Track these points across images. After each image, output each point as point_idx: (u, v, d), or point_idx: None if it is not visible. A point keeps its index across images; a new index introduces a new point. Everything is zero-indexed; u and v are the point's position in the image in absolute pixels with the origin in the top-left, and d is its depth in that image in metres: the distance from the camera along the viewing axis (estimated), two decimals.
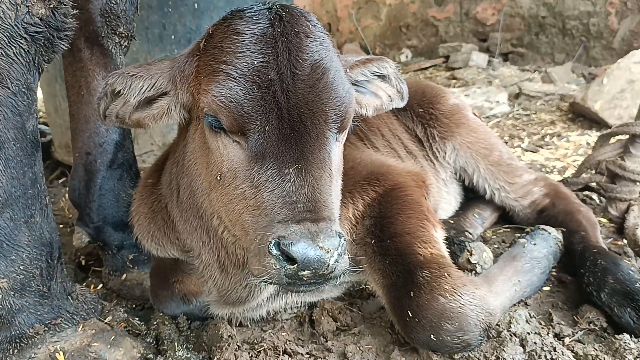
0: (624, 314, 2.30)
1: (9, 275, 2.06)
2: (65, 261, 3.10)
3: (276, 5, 1.88)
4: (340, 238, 1.67)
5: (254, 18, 1.83)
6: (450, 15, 9.50)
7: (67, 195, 3.91)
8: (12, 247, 2.07)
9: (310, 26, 1.87)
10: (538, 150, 5.11)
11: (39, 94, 5.34)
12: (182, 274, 2.47)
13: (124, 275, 2.81)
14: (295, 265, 1.62)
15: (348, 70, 2.11)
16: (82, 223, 2.85)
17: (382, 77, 2.26)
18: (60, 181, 5.05)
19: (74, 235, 2.93)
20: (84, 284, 2.97)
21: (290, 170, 1.72)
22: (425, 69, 8.96)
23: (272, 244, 1.64)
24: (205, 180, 2.02)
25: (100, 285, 2.88)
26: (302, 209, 1.68)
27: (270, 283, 1.73)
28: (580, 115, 5.91)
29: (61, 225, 3.73)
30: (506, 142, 5.37)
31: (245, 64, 1.75)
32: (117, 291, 2.83)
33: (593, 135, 5.43)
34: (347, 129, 1.96)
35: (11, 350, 2.08)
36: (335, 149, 1.88)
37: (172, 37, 4.67)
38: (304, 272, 1.63)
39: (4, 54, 1.93)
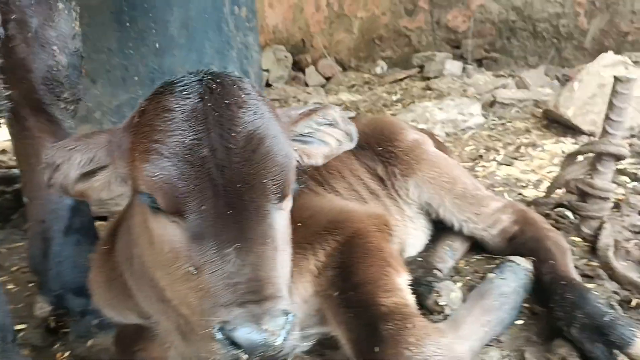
0: (595, 349, 2.28)
1: None
2: (33, 325, 3.04)
3: (207, 76, 1.83)
4: (286, 316, 1.62)
5: (184, 93, 1.77)
6: (422, 25, 9.52)
7: None
8: None
9: (243, 95, 1.81)
10: (513, 162, 5.09)
11: (7, 135, 5.28)
12: (145, 341, 2.41)
13: (91, 341, 2.74)
14: (241, 350, 1.57)
15: (291, 126, 2.06)
16: (44, 291, 2.79)
17: (328, 124, 2.22)
18: None
19: (35, 305, 2.87)
20: (53, 348, 2.90)
21: (230, 250, 1.66)
22: (401, 80, 8.95)
23: (215, 329, 1.59)
24: (150, 256, 1.98)
25: (68, 353, 2.82)
26: (245, 291, 1.62)
27: None
28: (555, 122, 5.91)
29: (31, 284, 3.65)
30: (482, 156, 5.35)
31: (176, 142, 1.70)
32: (84, 358, 2.76)
33: (568, 143, 5.43)
34: (291, 195, 1.91)
35: None
36: (279, 219, 1.83)
37: (135, 78, 4.66)
38: (250, 356, 1.57)
39: None
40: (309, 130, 2.16)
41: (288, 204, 1.96)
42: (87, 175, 1.98)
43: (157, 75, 4.61)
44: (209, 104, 1.75)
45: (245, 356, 1.57)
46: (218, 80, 1.83)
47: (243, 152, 1.72)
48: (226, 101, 1.78)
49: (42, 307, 2.81)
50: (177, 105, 1.76)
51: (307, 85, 9.79)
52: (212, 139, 1.70)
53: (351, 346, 2.20)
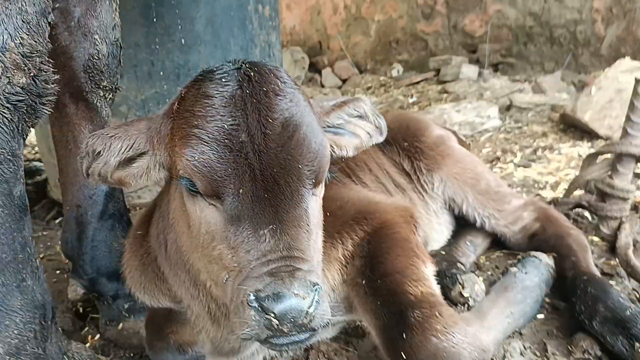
0: (617, 342, 2.32)
1: (4, 340, 2.08)
2: (63, 310, 3.13)
3: (245, 65, 1.90)
4: (315, 286, 1.68)
5: (223, 80, 1.84)
6: (439, 29, 9.57)
7: None
8: (5, 312, 2.08)
9: (280, 83, 1.88)
10: (530, 165, 5.13)
11: (32, 133, 5.40)
12: (176, 324, 2.48)
13: (121, 325, 2.81)
14: (273, 315, 1.63)
15: (324, 116, 2.13)
16: (76, 275, 2.86)
17: (359, 116, 2.27)
18: (57, 221, 5.06)
19: (68, 288, 2.95)
20: (82, 332, 2.98)
21: (266, 231, 1.73)
22: (417, 83, 9.01)
23: (249, 297, 1.66)
24: (187, 239, 2.05)
25: (98, 336, 2.89)
26: (278, 264, 1.69)
27: (251, 338, 1.72)
28: (571, 126, 5.94)
29: (57, 271, 3.74)
30: (499, 158, 5.40)
31: (216, 127, 1.77)
32: (115, 341, 2.83)
33: (584, 147, 5.46)
34: (324, 182, 1.97)
35: None
36: (312, 204, 1.89)
37: (161, 73, 4.72)
38: (282, 322, 1.63)
39: None
40: (340, 122, 2.22)
41: (321, 190, 2.03)
42: (126, 162, 2.05)
43: (182, 70, 4.67)
44: (247, 91, 1.82)
45: (276, 321, 1.63)
46: (256, 69, 1.89)
47: (279, 138, 1.79)
48: (264, 89, 1.84)
49: (76, 291, 2.89)
50: (216, 92, 1.83)
51: (323, 86, 9.87)
52: (250, 125, 1.77)
53: (378, 333, 2.26)
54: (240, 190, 1.74)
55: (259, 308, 1.64)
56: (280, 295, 1.62)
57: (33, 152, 7.44)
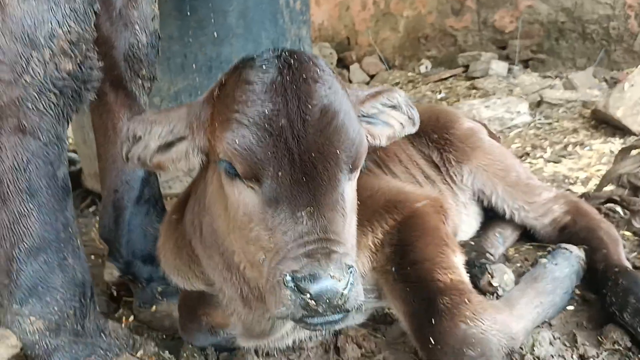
0: None
1: (45, 316, 2.18)
2: (97, 293, 3.22)
3: (285, 52, 1.95)
4: (350, 268, 1.72)
5: (264, 67, 1.90)
6: (468, 25, 9.49)
7: (97, 225, 4.04)
8: (46, 289, 2.18)
9: (319, 71, 1.93)
10: (561, 160, 5.08)
11: None
12: (208, 306, 2.55)
13: (154, 307, 2.90)
14: (308, 296, 1.67)
15: (359, 105, 2.17)
16: (113, 258, 2.96)
17: (393, 106, 2.31)
18: (90, 210, 5.19)
19: (105, 270, 3.04)
20: (116, 315, 3.07)
21: (303, 213, 1.77)
22: (445, 79, 8.95)
23: (285, 277, 1.71)
24: (224, 221, 2.10)
25: (132, 317, 2.98)
26: (314, 246, 1.74)
27: (287, 317, 1.77)
28: (603, 122, 5.85)
29: (92, 256, 3.84)
30: (528, 154, 5.36)
31: (256, 112, 1.82)
32: (148, 323, 2.92)
33: (616, 143, 5.37)
34: (360, 168, 2.01)
35: None
36: (348, 189, 1.94)
37: (194, 65, 4.81)
38: (318, 303, 1.68)
39: (34, 107, 2.06)
40: (374, 111, 2.26)
41: (356, 176, 2.06)
42: (166, 147, 2.12)
43: (214, 63, 4.75)
44: (287, 78, 1.87)
45: (312, 302, 1.68)
46: (295, 57, 1.95)
47: (318, 124, 1.84)
48: (303, 76, 1.89)
49: (112, 273, 2.98)
50: (257, 78, 1.89)
51: (350, 82, 9.87)
52: (289, 111, 1.82)
53: (407, 319, 2.30)
54: (279, 173, 1.79)
55: (295, 288, 1.69)
56: (317, 277, 1.66)
57: (68, 143, 7.63)
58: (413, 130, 2.39)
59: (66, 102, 2.11)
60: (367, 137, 2.17)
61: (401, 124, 2.33)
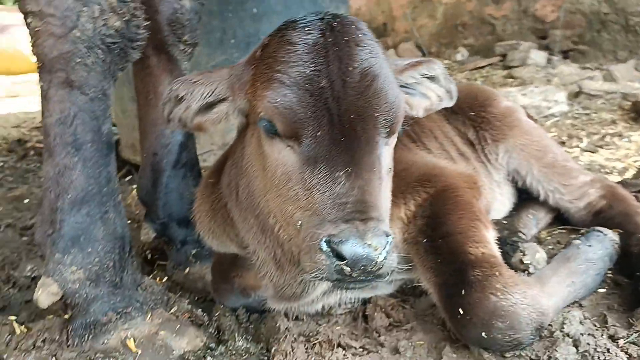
0: None
1: (86, 266, 2.25)
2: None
3: (328, 16, 1.97)
4: (387, 237, 1.74)
5: (307, 29, 1.92)
6: (508, 13, 9.34)
7: (133, 193, 4.14)
8: (88, 240, 2.26)
9: (360, 35, 1.95)
10: (597, 150, 4.99)
11: None
12: (241, 268, 2.60)
13: (187, 269, 2.97)
14: (344, 262, 1.70)
15: (398, 74, 2.17)
16: (150, 219, 3.04)
17: (431, 78, 2.31)
18: (126, 179, 5.31)
19: (141, 231, 3.13)
20: (150, 276, 3.15)
21: (341, 173, 1.79)
22: (482, 67, 8.84)
23: (322, 241, 1.73)
24: (261, 182, 2.14)
25: (166, 278, 3.06)
26: (352, 210, 1.76)
27: (321, 279, 1.81)
28: None
29: (129, 221, 3.93)
30: (564, 143, 5.28)
31: (298, 72, 1.85)
32: (181, 284, 2.99)
33: None
34: (397, 133, 2.02)
35: (86, 335, 2.26)
36: (385, 153, 1.95)
37: (232, 41, 4.84)
38: (353, 269, 1.70)
39: (83, 63, 2.12)
40: (413, 81, 2.27)
41: (394, 141, 2.08)
42: (207, 108, 2.17)
43: (253, 39, 4.77)
44: (329, 40, 1.90)
45: (347, 269, 1.70)
46: (338, 20, 1.97)
47: (358, 86, 1.86)
48: (345, 38, 1.92)
49: (148, 234, 3.06)
50: (299, 39, 1.92)
51: None
52: (330, 72, 1.85)
53: (437, 290, 2.31)
54: (318, 133, 1.82)
55: (331, 253, 1.72)
56: (354, 244, 1.68)
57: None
58: (450, 103, 2.39)
59: (113, 58, 2.17)
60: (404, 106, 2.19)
61: (439, 96, 2.34)
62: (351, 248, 1.68)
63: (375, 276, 1.77)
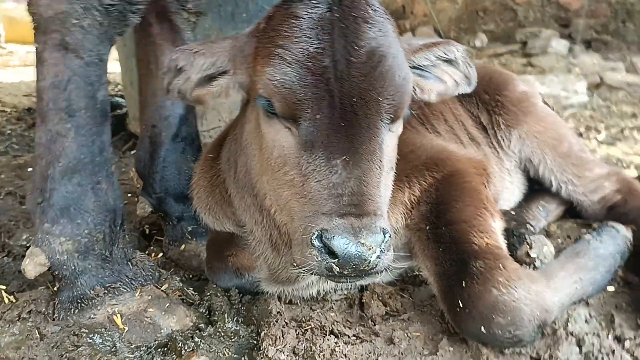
0: None
1: (74, 238, 2.18)
2: (130, 229, 3.24)
3: None
4: (384, 234, 1.66)
5: (314, 2, 1.80)
6: (531, 0, 9.10)
7: None
8: (78, 211, 2.19)
9: (370, 10, 1.82)
10: (615, 143, 4.85)
11: (118, 67, 5.61)
12: (236, 248, 2.52)
13: (183, 246, 2.90)
14: (336, 260, 1.62)
15: (410, 55, 2.05)
16: (146, 193, 2.96)
17: (448, 61, 2.19)
18: (132, 152, 5.25)
19: (137, 205, 3.05)
20: (146, 251, 3.08)
21: (339, 161, 1.71)
22: (501, 55, 8.64)
23: (314, 236, 1.66)
24: (258, 162, 2.05)
25: (161, 254, 2.99)
26: (347, 203, 1.67)
27: (311, 274, 1.74)
28: None
29: (129, 194, 3.88)
30: (581, 134, 5.14)
31: (300, 49, 1.74)
32: (176, 261, 2.92)
33: None
34: (402, 119, 1.91)
35: (72, 309, 2.20)
36: (388, 140, 1.85)
37: (244, 15, 4.73)
38: (343, 268, 1.63)
39: (79, 24, 2.03)
40: (427, 63, 2.15)
41: (399, 127, 1.97)
42: (207, 80, 2.07)
43: (264, 14, 4.67)
44: (336, 15, 1.77)
45: (337, 268, 1.63)
46: None
47: (363, 67, 1.74)
48: (353, 14, 1.79)
49: (144, 208, 2.99)
50: (305, 13, 1.80)
51: None
52: (335, 50, 1.73)
53: (437, 280, 2.21)
54: (317, 116, 1.72)
55: (323, 250, 1.64)
56: (347, 243, 1.61)
57: (116, 89, 7.75)
58: (468, 90, 2.27)
59: (111, 22, 2.07)
60: (415, 90, 2.08)
61: (455, 81, 2.22)
62: (344, 246, 1.61)
63: (367, 275, 1.69)
